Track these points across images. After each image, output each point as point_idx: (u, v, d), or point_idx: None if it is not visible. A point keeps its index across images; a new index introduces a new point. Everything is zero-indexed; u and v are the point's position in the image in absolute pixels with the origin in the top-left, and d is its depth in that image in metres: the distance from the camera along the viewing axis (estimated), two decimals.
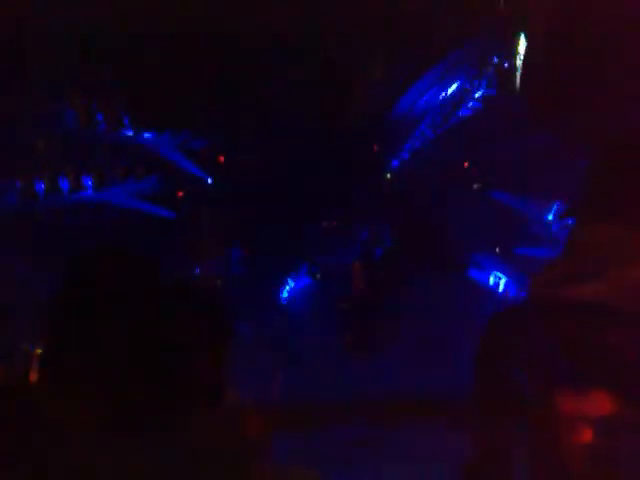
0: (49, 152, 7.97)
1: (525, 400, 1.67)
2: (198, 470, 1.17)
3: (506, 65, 7.66)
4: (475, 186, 8.91)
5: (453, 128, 8.49)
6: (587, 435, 1.63)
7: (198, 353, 1.86)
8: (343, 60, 7.46)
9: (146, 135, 8.52)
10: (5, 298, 6.03)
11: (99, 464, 1.14)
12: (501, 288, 9.05)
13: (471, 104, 8.36)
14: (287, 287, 9.22)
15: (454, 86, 8.31)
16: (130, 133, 8.39)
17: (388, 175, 9.11)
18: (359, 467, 4.45)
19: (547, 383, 1.64)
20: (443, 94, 8.37)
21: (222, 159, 9.00)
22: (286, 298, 9.19)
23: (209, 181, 9.06)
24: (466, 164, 8.90)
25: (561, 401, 1.63)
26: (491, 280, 9.12)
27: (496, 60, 7.83)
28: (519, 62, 7.22)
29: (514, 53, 7.24)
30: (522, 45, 7.06)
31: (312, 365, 6.49)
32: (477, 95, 8.28)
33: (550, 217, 8.76)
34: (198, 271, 8.65)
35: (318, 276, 9.26)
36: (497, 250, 9.05)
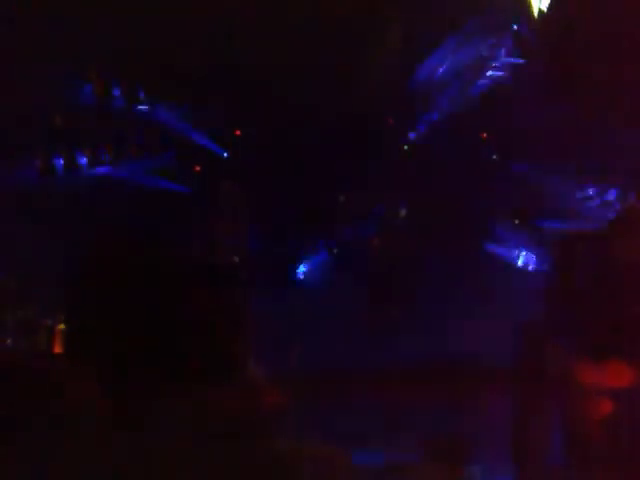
0: (67, 128, 7.98)
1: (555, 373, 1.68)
2: (213, 443, 1.17)
3: (526, 31, 7.47)
4: (494, 157, 8.81)
5: (472, 98, 8.36)
6: (608, 405, 1.62)
7: (216, 329, 1.86)
8: (358, 31, 7.37)
9: (162, 110, 8.50)
10: (24, 274, 6.09)
11: (117, 432, 1.15)
12: (520, 261, 8.98)
13: (490, 73, 8.20)
14: (304, 262, 9.21)
15: (473, 55, 8.15)
16: (146, 108, 8.36)
17: (405, 147, 9.02)
18: (378, 440, 4.46)
19: (571, 357, 1.64)
20: (462, 63, 8.22)
21: (238, 133, 8.95)
22: (303, 273, 9.19)
23: (225, 156, 9.03)
24: (484, 135, 8.78)
25: (584, 374, 1.63)
26: (511, 253, 9.05)
27: (516, 27, 7.64)
28: (540, 28, 7.03)
29: (534, 19, 7.05)
30: (542, 10, 6.86)
31: (329, 340, 6.51)
32: (496, 64, 8.12)
33: (570, 190, 8.66)
34: (215, 247, 8.66)
35: (335, 251, 9.23)
36: (516, 222, 8.97)
